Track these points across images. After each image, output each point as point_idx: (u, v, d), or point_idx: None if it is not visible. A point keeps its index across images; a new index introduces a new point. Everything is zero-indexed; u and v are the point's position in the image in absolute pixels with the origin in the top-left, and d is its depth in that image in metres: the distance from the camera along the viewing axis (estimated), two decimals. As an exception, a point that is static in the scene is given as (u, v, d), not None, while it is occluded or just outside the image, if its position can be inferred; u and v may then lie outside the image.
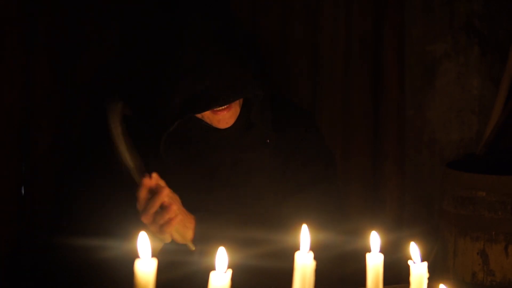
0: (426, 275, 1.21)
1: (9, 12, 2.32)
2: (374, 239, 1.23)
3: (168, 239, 1.82)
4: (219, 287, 1.03)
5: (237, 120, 1.95)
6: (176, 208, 1.78)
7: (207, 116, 1.90)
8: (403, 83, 2.85)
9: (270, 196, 1.99)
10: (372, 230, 1.27)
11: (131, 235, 1.66)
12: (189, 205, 1.89)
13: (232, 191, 1.97)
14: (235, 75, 1.85)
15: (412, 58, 2.90)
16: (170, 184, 1.84)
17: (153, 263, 1.02)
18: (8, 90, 2.34)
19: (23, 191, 2.37)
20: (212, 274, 1.04)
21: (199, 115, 1.90)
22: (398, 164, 2.85)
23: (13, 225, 2.37)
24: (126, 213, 1.88)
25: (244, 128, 1.97)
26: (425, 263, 1.21)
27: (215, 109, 1.88)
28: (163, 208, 1.77)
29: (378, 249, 1.22)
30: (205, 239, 1.84)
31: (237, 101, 1.92)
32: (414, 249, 1.23)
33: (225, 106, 1.88)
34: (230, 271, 1.06)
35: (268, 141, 1.98)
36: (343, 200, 2.12)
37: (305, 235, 1.17)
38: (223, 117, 1.90)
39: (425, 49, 2.92)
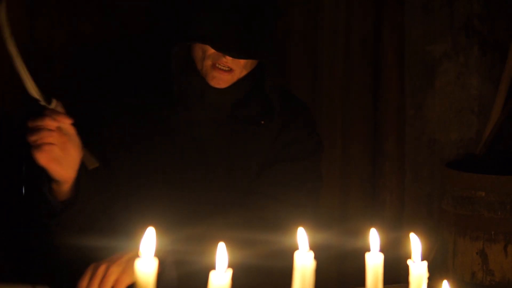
0: (425, 274, 1.21)
1: None
2: (374, 238, 1.24)
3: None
4: (219, 287, 1.04)
5: (237, 90, 1.93)
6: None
7: (207, 67, 1.87)
8: (403, 83, 2.85)
9: (251, 175, 1.96)
10: (371, 229, 1.27)
11: (133, 234, 1.66)
12: (179, 181, 1.89)
13: (225, 168, 1.94)
14: (260, 37, 1.84)
15: (412, 58, 2.90)
16: (164, 151, 1.87)
17: (154, 263, 1.02)
18: (8, 91, 2.34)
19: (23, 191, 2.37)
20: (212, 274, 1.05)
21: (199, 64, 1.88)
22: (398, 164, 2.85)
23: (13, 225, 2.37)
24: (127, 211, 1.88)
25: (240, 100, 1.96)
26: (425, 263, 1.21)
27: (219, 63, 1.85)
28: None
29: (378, 248, 1.22)
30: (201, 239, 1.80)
31: (240, 70, 1.89)
32: (415, 241, 1.23)
33: (229, 67, 1.86)
34: (230, 271, 1.06)
35: (262, 122, 1.95)
36: (320, 184, 2.04)
37: (304, 235, 1.17)
38: (219, 76, 1.87)
39: (425, 49, 2.92)
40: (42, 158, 1.67)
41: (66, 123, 1.67)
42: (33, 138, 1.65)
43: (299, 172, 1.96)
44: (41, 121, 1.65)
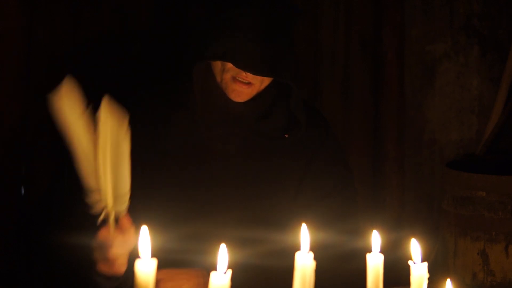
0: (426, 275, 1.21)
1: None
2: (374, 239, 1.23)
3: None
4: (219, 287, 1.03)
5: (258, 104, 1.91)
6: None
7: (226, 80, 1.85)
8: (403, 83, 2.85)
9: (288, 200, 1.96)
10: (372, 230, 1.27)
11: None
12: (188, 188, 1.87)
13: (243, 183, 1.93)
14: (281, 54, 1.83)
15: (412, 58, 2.90)
16: (173, 159, 1.85)
17: (153, 263, 1.02)
18: (7, 93, 2.34)
19: (23, 191, 2.36)
20: (212, 274, 1.04)
21: (218, 77, 1.87)
22: (398, 164, 2.85)
23: (13, 225, 2.37)
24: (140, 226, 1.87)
25: (263, 113, 1.94)
26: (425, 264, 1.21)
27: (239, 76, 1.83)
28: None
29: (379, 249, 1.22)
30: None
31: (259, 84, 1.87)
32: (415, 246, 1.23)
33: (249, 81, 1.83)
34: (230, 271, 1.06)
35: (286, 135, 1.94)
36: (360, 205, 2.07)
37: (305, 235, 1.17)
38: (239, 89, 1.85)
39: (425, 49, 2.92)
40: (108, 269, 1.66)
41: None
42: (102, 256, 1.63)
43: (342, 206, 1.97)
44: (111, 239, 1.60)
